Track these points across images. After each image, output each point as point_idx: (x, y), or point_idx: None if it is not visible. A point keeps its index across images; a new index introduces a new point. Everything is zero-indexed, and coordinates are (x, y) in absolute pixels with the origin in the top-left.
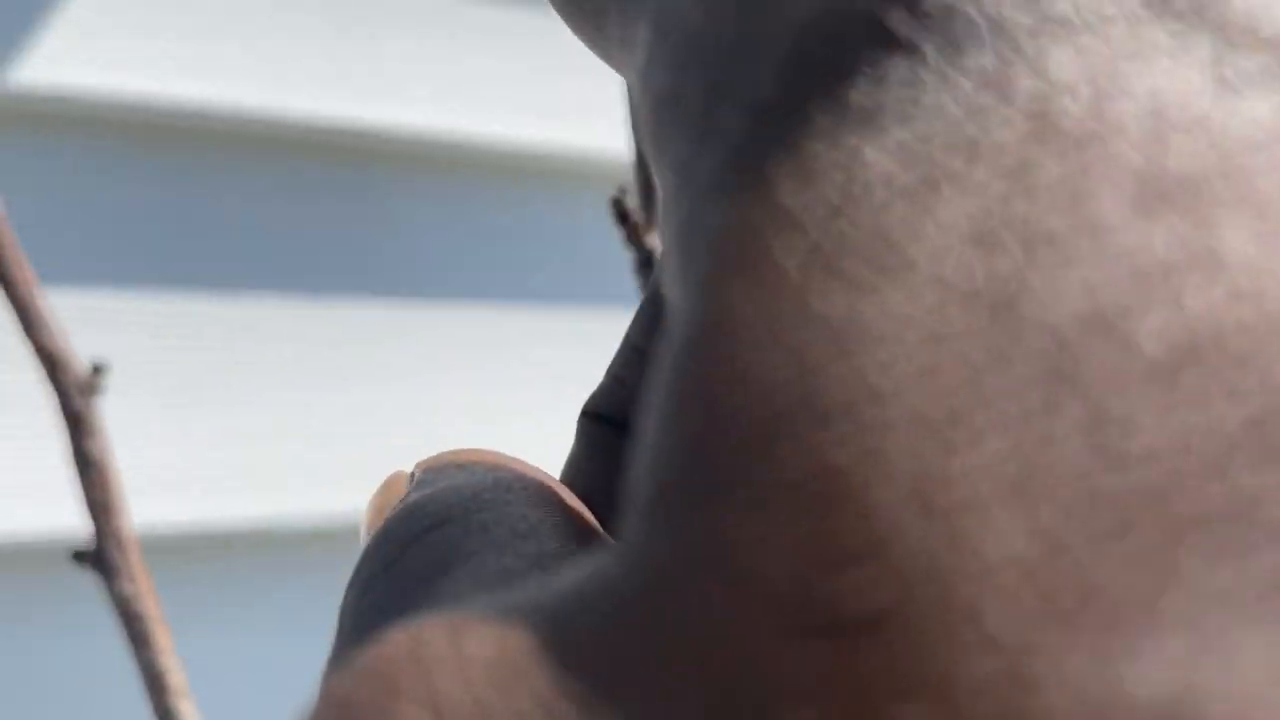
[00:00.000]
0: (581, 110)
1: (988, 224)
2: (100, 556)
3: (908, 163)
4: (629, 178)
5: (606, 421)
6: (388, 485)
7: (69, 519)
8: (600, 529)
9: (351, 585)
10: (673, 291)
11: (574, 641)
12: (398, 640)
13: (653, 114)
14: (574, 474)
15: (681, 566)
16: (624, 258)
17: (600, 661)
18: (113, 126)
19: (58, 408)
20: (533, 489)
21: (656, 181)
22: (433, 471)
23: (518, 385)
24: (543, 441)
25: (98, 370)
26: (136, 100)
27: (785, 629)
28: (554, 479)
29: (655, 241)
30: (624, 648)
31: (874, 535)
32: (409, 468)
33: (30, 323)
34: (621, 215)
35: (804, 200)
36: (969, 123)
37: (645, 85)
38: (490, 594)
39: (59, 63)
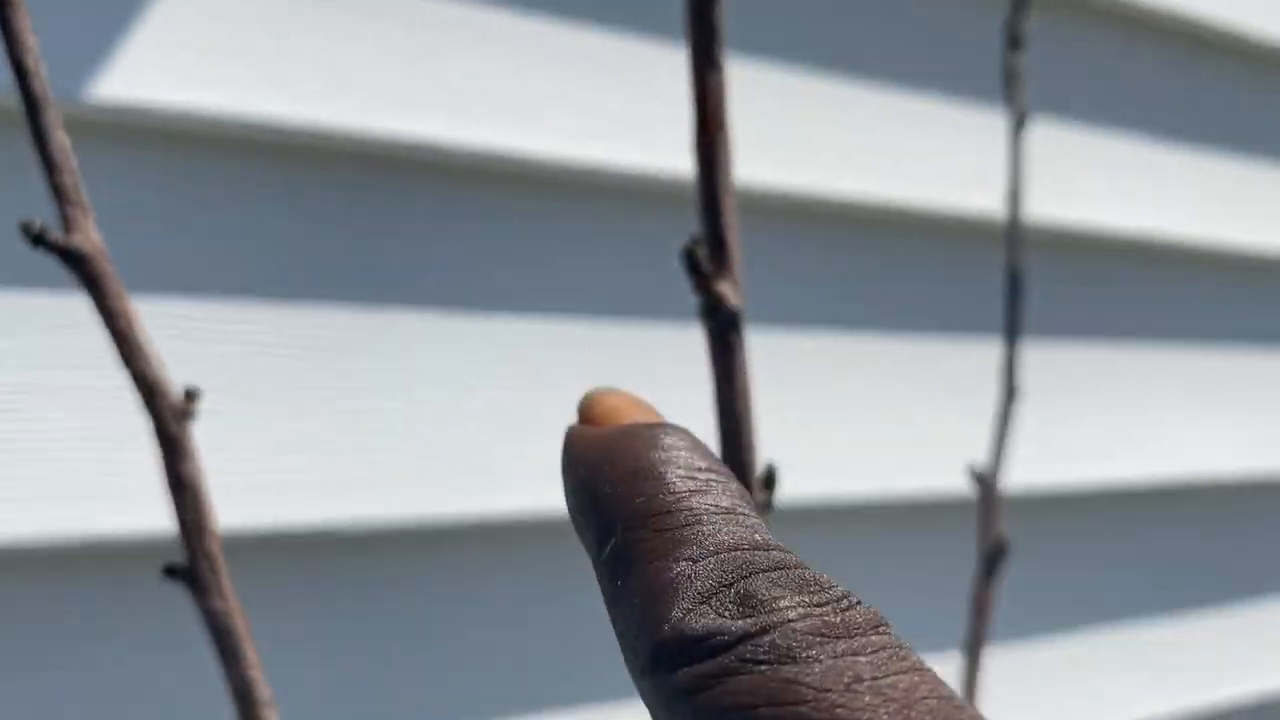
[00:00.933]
0: (640, 130)
1: None
2: (193, 573)
3: None
4: (692, 218)
5: None
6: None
7: (161, 521)
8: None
9: None
10: None
11: None
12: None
13: None
14: None
15: None
16: (680, 274)
17: None
18: (191, 140)
19: (153, 432)
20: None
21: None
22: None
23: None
24: None
25: (190, 396)
26: (214, 114)
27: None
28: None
29: (724, 289)
30: None
31: None
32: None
33: (128, 353)
34: (693, 265)
35: None
36: None
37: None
38: None
39: (140, 77)
